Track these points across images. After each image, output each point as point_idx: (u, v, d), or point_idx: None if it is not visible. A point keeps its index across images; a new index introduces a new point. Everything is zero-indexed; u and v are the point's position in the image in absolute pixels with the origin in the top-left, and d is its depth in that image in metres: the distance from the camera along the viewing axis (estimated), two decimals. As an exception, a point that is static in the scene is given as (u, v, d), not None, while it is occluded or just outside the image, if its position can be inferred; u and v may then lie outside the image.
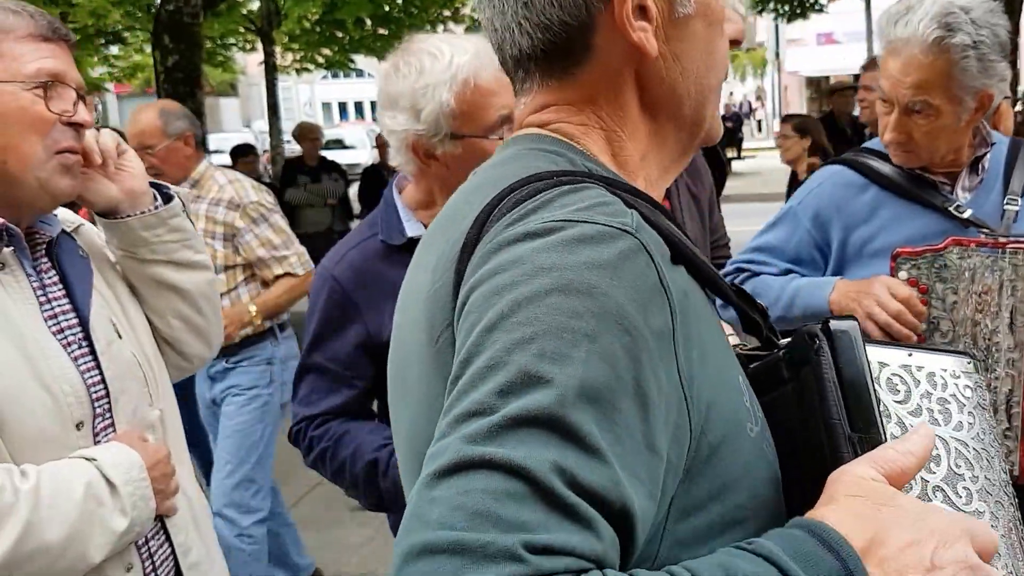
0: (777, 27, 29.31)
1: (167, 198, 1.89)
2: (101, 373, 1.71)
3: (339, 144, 25.29)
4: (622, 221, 0.86)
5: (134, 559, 1.69)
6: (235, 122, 39.98)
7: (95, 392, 1.69)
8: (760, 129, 38.85)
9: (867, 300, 2.04)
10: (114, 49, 21.35)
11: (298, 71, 23.24)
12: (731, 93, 39.85)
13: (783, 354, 1.06)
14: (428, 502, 0.74)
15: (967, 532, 0.87)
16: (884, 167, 2.21)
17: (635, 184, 1.02)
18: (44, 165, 1.63)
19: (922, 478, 1.05)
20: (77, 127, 1.66)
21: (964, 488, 1.07)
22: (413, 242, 2.01)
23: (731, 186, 10.62)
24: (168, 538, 1.79)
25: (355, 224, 5.08)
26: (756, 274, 2.38)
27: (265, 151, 22.71)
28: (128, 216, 1.81)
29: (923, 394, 1.10)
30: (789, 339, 1.08)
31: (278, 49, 20.08)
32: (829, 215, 2.26)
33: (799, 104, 37.56)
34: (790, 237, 2.34)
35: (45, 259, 1.72)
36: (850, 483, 0.88)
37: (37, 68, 1.61)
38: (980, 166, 2.21)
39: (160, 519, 1.76)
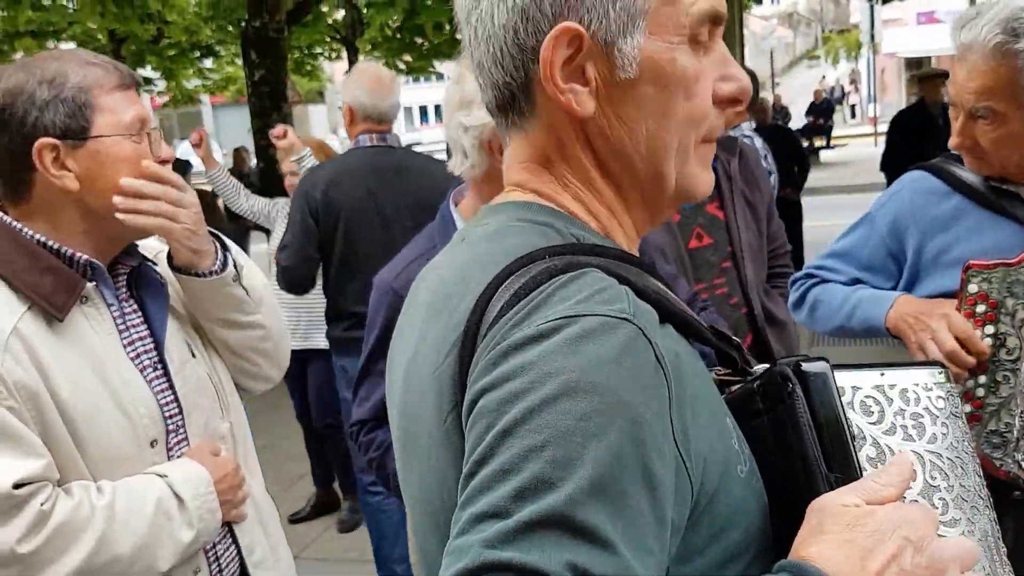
0: (872, 8, 28.40)
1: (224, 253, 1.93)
2: (174, 392, 1.80)
3: (417, 147, 25.82)
4: (620, 308, 0.89)
5: (201, 563, 1.79)
6: (323, 128, 40.93)
7: (168, 411, 1.78)
8: (853, 115, 37.72)
9: (922, 333, 2.03)
10: (208, 62, 22.11)
11: (381, 77, 24.04)
12: (823, 77, 38.97)
13: (757, 386, 1.08)
14: None
15: (934, 524, 0.93)
16: (969, 175, 2.16)
17: (608, 231, 1.07)
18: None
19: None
20: (163, 163, 1.79)
21: (940, 499, 1.11)
22: None
23: (818, 178, 10.26)
24: (234, 539, 1.88)
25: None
26: (824, 281, 2.38)
27: None
28: (189, 274, 1.84)
29: (896, 411, 1.14)
30: (763, 369, 1.10)
31: (362, 56, 20.65)
32: (906, 222, 2.23)
33: (897, 88, 36.46)
34: (865, 243, 2.32)
35: (126, 289, 1.81)
36: (830, 511, 0.92)
37: (132, 117, 1.73)
38: None
39: (227, 523, 1.85)
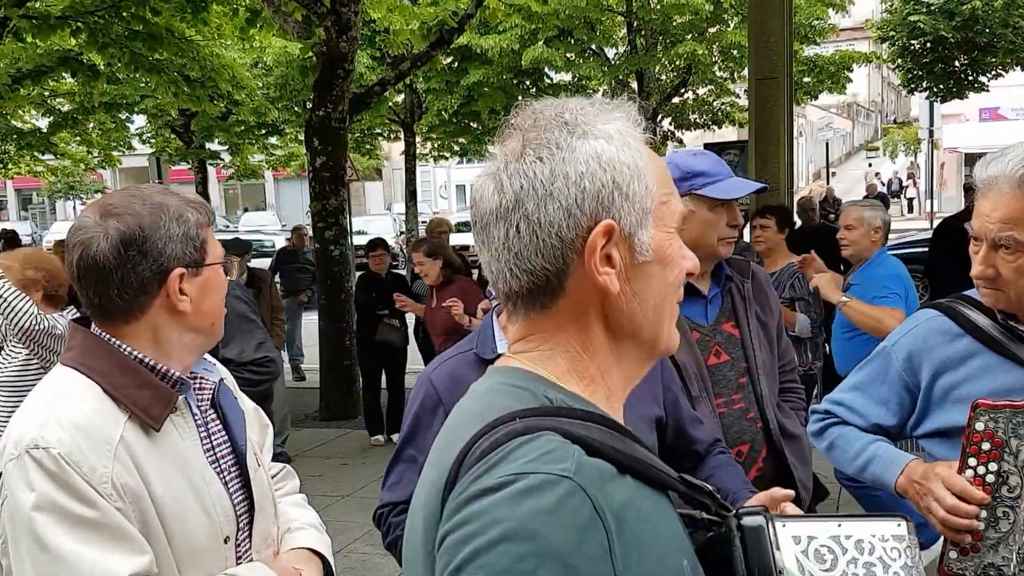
0: (931, 104, 28.43)
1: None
2: (249, 496, 1.95)
3: (468, 227, 25.84)
4: (563, 468, 1.02)
5: None
6: (378, 204, 41.87)
7: (240, 510, 1.92)
8: (911, 209, 37.25)
9: (926, 497, 2.10)
10: (272, 139, 22.97)
11: (435, 158, 24.42)
12: (877, 173, 38.58)
13: (724, 531, 1.19)
14: None
15: None
16: (980, 318, 2.21)
17: (595, 398, 1.21)
18: (222, 320, 1.97)
19: None
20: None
21: None
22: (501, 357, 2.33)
23: None
24: None
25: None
26: (844, 422, 2.45)
27: (401, 233, 23.53)
28: None
29: (850, 560, 1.26)
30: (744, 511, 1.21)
31: (418, 138, 21.15)
32: (921, 358, 2.28)
33: (956, 183, 36.11)
34: (883, 376, 2.38)
35: (208, 403, 1.97)
36: None
37: (220, 248, 1.95)
38: None
39: None
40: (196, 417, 1.91)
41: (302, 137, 23.75)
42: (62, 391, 1.78)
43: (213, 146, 22.09)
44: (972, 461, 2.05)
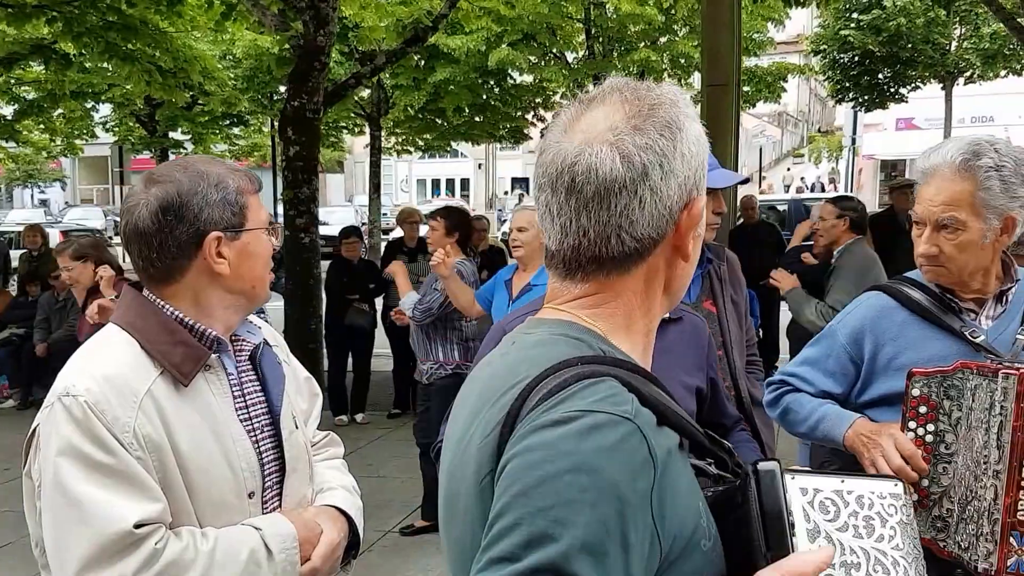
0: (856, 113, 29.02)
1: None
2: (281, 455, 1.93)
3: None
4: (624, 410, 1.06)
5: None
6: (340, 196, 41.40)
7: (269, 468, 1.90)
8: None
9: (874, 451, 2.21)
10: (236, 130, 22.49)
11: (399, 152, 24.12)
12: (802, 178, 39.39)
13: (738, 484, 1.20)
14: None
15: None
16: (916, 294, 2.33)
17: (635, 352, 1.23)
18: (266, 284, 1.95)
19: None
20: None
21: None
22: None
23: None
24: None
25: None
26: (797, 389, 2.54)
27: (363, 224, 23.21)
28: None
29: (851, 513, 1.28)
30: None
31: (383, 133, 20.87)
32: (863, 333, 2.40)
33: (871, 188, 36.79)
34: (829, 352, 2.48)
35: (248, 361, 1.95)
36: None
37: (265, 215, 1.93)
38: (1005, 298, 2.32)
39: None
40: (231, 376, 1.89)
41: (266, 128, 23.74)
42: (102, 345, 1.81)
43: (176, 135, 21.50)
44: (912, 424, 2.17)
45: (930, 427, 2.16)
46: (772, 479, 1.15)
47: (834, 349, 2.47)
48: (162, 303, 1.84)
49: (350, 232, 8.72)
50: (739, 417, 2.65)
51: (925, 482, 2.17)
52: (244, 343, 1.95)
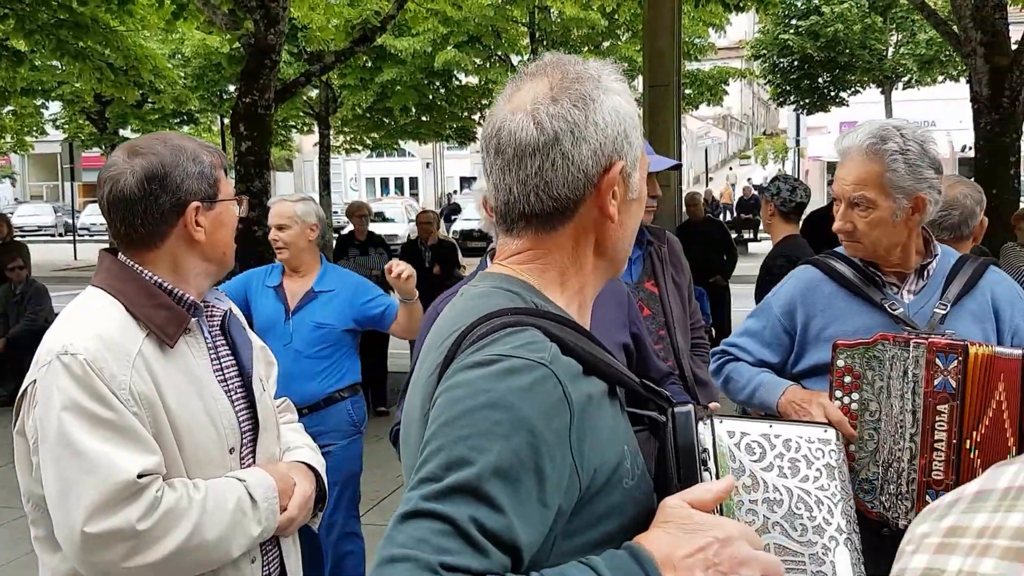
0: (798, 116, 29.49)
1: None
2: (254, 414, 2.04)
3: (381, 217, 25.78)
4: (540, 357, 1.14)
5: (256, 553, 2.01)
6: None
7: (244, 427, 2.01)
8: None
9: (805, 418, 2.26)
10: (186, 128, 22.34)
11: (348, 151, 24.18)
12: (749, 179, 39.80)
13: (663, 423, 1.31)
14: (397, 532, 1.06)
15: (744, 534, 1.16)
16: (843, 268, 2.42)
17: (570, 307, 1.32)
18: (232, 252, 2.06)
19: (764, 515, 1.32)
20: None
21: (800, 524, 1.33)
22: None
23: (746, 267, 10.72)
24: (277, 543, 2.11)
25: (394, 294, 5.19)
26: (735, 358, 2.64)
27: None
28: None
29: (777, 455, 1.34)
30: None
31: (332, 132, 20.82)
32: (795, 305, 2.49)
33: (819, 188, 37.38)
34: (766, 323, 2.57)
35: (218, 328, 2.07)
36: (664, 511, 1.18)
37: (232, 188, 2.07)
38: (926, 272, 2.40)
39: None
40: (207, 340, 2.01)
41: (216, 127, 23.54)
42: (90, 307, 1.89)
43: (126, 133, 21.45)
44: (838, 393, 2.26)
45: (855, 396, 2.24)
46: (686, 419, 1.26)
47: (770, 320, 2.56)
48: (141, 268, 1.93)
49: None
50: (669, 371, 2.74)
51: (852, 447, 2.24)
52: (215, 309, 2.07)
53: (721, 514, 1.26)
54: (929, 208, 2.31)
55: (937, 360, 2.15)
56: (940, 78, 25.27)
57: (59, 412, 1.74)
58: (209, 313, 2.05)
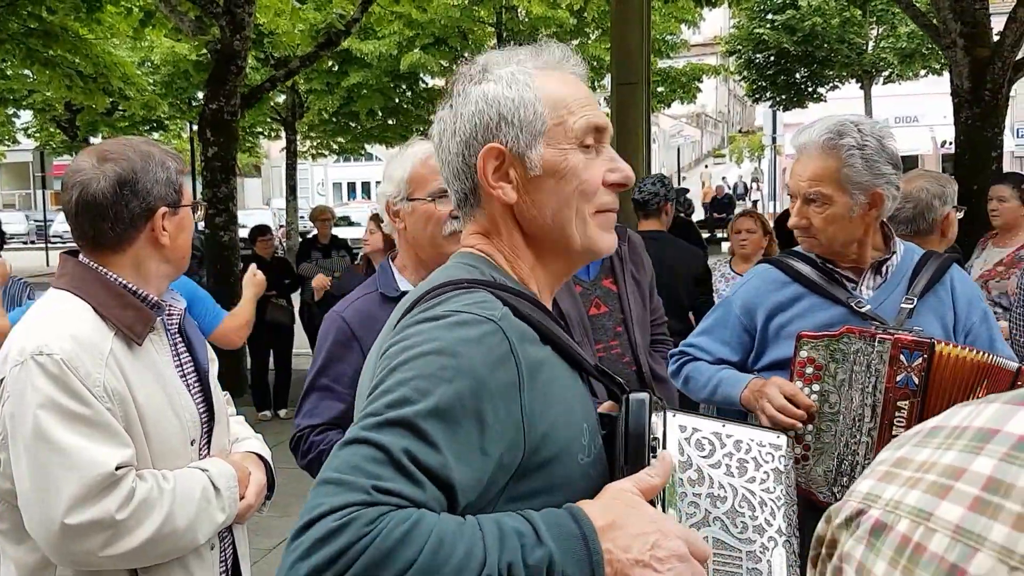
0: (775, 113, 29.49)
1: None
2: (210, 408, 2.13)
3: (347, 221, 25.48)
4: (491, 314, 1.18)
5: (215, 540, 2.10)
6: (257, 200, 41.00)
7: (203, 419, 2.10)
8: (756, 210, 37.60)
9: (762, 400, 2.30)
10: (156, 135, 22.29)
11: (314, 156, 24.06)
12: (723, 178, 39.74)
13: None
14: (334, 458, 1.10)
15: (686, 537, 1.16)
16: (804, 267, 2.45)
17: (528, 287, 1.36)
18: (189, 255, 2.15)
19: (706, 509, 1.34)
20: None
21: (741, 522, 1.35)
22: (404, 294, 2.13)
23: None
24: (230, 530, 2.20)
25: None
26: (695, 358, 2.67)
27: (281, 226, 22.99)
28: None
29: (726, 453, 1.37)
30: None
31: (299, 137, 20.92)
32: (756, 304, 2.52)
33: (796, 186, 37.39)
34: (725, 322, 2.61)
35: (175, 327, 2.15)
36: (612, 490, 1.20)
37: (191, 193, 2.13)
38: (885, 270, 2.43)
39: None
40: (168, 338, 2.11)
41: (185, 134, 23.39)
42: (60, 309, 1.95)
43: (96, 139, 21.47)
44: (799, 383, 2.28)
45: (815, 387, 2.27)
46: (640, 406, 1.28)
47: (730, 320, 2.59)
48: (105, 270, 2.00)
49: (264, 230, 8.87)
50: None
51: (809, 437, 2.26)
52: (173, 308, 2.15)
53: (664, 499, 1.28)
54: (887, 204, 2.34)
55: (901, 356, 2.18)
56: (922, 72, 25.08)
57: (35, 410, 1.80)
58: (168, 312, 2.13)
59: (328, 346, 2.43)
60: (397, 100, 19.98)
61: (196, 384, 2.14)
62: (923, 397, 2.17)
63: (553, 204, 1.34)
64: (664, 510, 1.27)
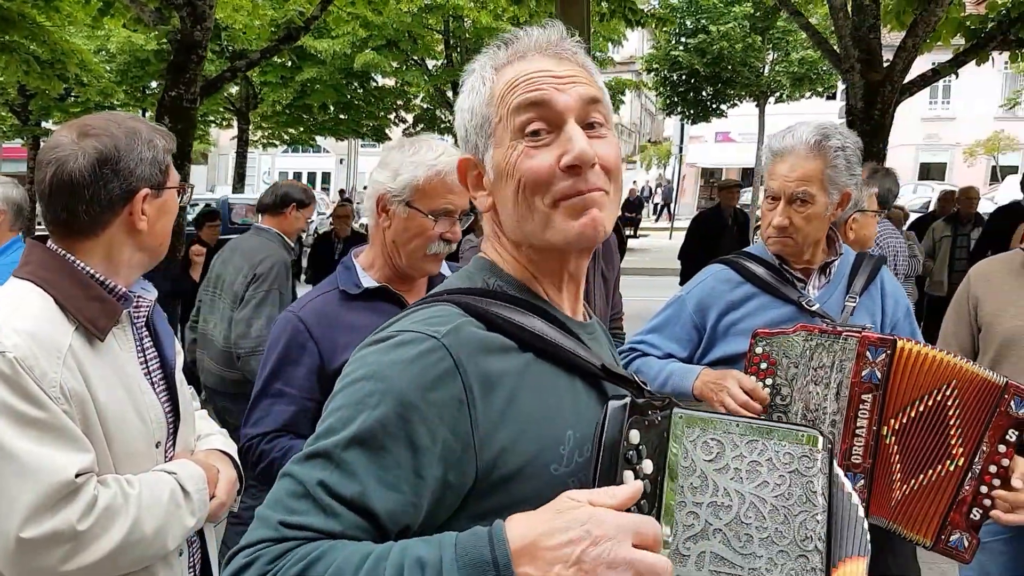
0: (683, 126, 30.20)
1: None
2: (175, 407, 1.89)
3: None
4: (435, 330, 1.09)
5: (184, 546, 1.89)
6: (201, 187, 39.98)
7: (169, 420, 1.86)
8: (658, 212, 38.27)
9: (721, 392, 2.23)
10: None
11: (265, 146, 23.58)
12: (634, 181, 40.53)
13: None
14: (272, 490, 1.07)
15: (631, 531, 0.95)
16: (757, 268, 2.41)
17: (532, 288, 1.24)
18: (168, 241, 1.89)
19: (707, 520, 1.15)
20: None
21: (746, 534, 1.14)
22: (366, 291, 2.19)
23: (627, 261, 11.18)
24: (199, 531, 1.97)
25: (299, 285, 4.83)
26: (644, 354, 2.57)
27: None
28: None
29: (736, 456, 1.17)
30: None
31: (251, 127, 20.45)
32: (709, 303, 2.45)
33: (693, 192, 38.16)
34: (677, 318, 2.52)
35: (143, 320, 1.88)
36: (556, 500, 1.00)
37: (177, 174, 1.90)
38: (829, 270, 2.42)
39: None
40: (134, 332, 1.84)
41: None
42: (17, 301, 1.68)
43: (49, 125, 20.40)
44: (753, 378, 2.23)
45: (768, 381, 2.22)
46: (616, 413, 1.11)
47: (681, 317, 2.52)
48: (72, 258, 1.75)
49: (212, 216, 8.38)
50: None
51: None
52: (142, 300, 1.88)
53: (660, 511, 1.12)
54: (851, 203, 2.35)
55: (868, 353, 2.14)
56: (808, 94, 26.11)
57: None
58: (136, 304, 1.86)
59: (281, 348, 2.17)
60: (349, 97, 19.62)
61: (162, 382, 1.89)
62: (884, 390, 2.13)
63: (509, 203, 1.20)
64: (659, 521, 1.10)
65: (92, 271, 1.74)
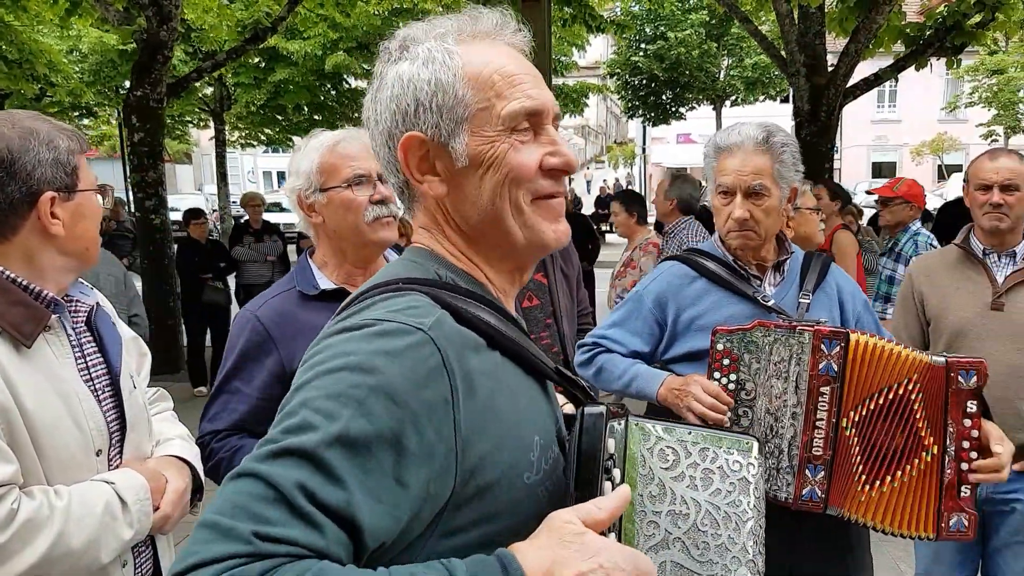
0: (645, 128, 30.45)
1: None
2: (122, 413, 1.74)
3: (278, 207, 24.61)
4: (419, 321, 0.93)
5: (128, 557, 1.74)
6: (189, 186, 39.42)
7: (113, 427, 1.71)
8: None
9: (687, 398, 2.17)
10: (86, 121, 21.05)
11: (243, 146, 23.34)
12: (604, 180, 40.83)
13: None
14: (218, 495, 0.86)
15: (633, 563, 0.90)
16: (711, 264, 2.35)
17: (479, 282, 1.10)
18: (98, 245, 1.75)
19: (667, 529, 1.10)
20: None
21: (703, 542, 1.10)
22: (324, 292, 2.09)
23: (604, 254, 11.08)
24: (152, 544, 1.83)
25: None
26: (609, 350, 2.47)
27: (214, 211, 22.37)
28: None
29: (691, 464, 1.12)
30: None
31: (227, 127, 20.21)
32: (667, 298, 2.37)
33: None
34: (636, 315, 2.43)
35: (84, 324, 1.74)
36: (554, 522, 0.91)
37: (94, 176, 1.73)
38: (783, 268, 2.37)
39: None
40: (71, 337, 1.70)
41: (115, 120, 22.40)
42: None
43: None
44: (717, 375, 2.17)
45: (732, 376, 2.17)
46: (595, 422, 1.02)
47: (641, 312, 2.43)
48: None
49: (198, 213, 8.10)
50: None
51: (727, 423, 2.17)
52: (79, 304, 1.75)
53: (621, 522, 1.06)
54: (797, 199, 2.31)
55: (822, 346, 2.09)
56: (762, 98, 26.64)
57: None
58: (73, 309, 1.73)
59: (240, 347, 2.07)
60: (322, 98, 19.23)
61: (107, 388, 1.74)
62: (842, 383, 2.09)
63: (485, 196, 1.06)
64: (619, 539, 1.04)
65: (14, 276, 1.61)
